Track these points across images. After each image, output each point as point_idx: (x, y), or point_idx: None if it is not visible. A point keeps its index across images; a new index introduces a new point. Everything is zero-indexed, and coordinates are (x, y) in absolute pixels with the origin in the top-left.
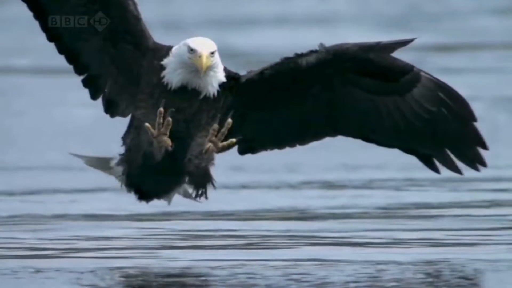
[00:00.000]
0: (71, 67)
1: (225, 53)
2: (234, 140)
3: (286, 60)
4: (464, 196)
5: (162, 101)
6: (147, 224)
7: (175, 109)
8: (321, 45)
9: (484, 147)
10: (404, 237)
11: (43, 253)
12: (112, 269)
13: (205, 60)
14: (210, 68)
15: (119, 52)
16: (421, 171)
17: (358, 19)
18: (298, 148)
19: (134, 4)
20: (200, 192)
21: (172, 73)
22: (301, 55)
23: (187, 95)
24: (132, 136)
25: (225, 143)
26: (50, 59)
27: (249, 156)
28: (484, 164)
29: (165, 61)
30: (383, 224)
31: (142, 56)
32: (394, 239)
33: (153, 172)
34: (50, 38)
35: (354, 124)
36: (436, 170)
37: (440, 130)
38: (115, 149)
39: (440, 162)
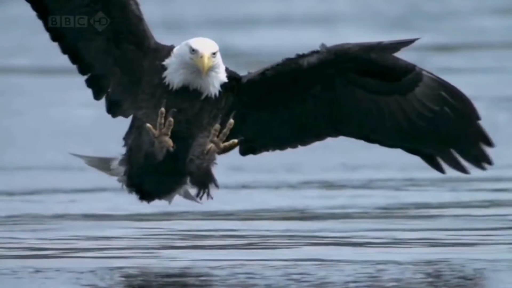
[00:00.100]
0: (71, 67)
1: (226, 53)
2: (236, 141)
3: (288, 61)
4: (464, 196)
5: (163, 101)
6: (147, 224)
7: (177, 110)
8: (323, 45)
9: (490, 144)
10: (404, 237)
11: (43, 253)
12: (112, 269)
13: (206, 61)
14: (211, 68)
15: (121, 52)
16: (421, 171)
17: (358, 19)
18: (298, 148)
19: (136, 4)
20: (203, 192)
21: (174, 73)
22: (303, 56)
23: (188, 95)
24: (133, 136)
25: (226, 143)
26: (50, 59)
27: (249, 156)
28: (490, 162)
29: (166, 62)
30: (383, 224)
31: (143, 56)
32: (394, 239)
33: (154, 173)
34: (53, 38)
35: (356, 125)
36: (441, 170)
37: (443, 129)
38: (115, 149)
39: (445, 162)
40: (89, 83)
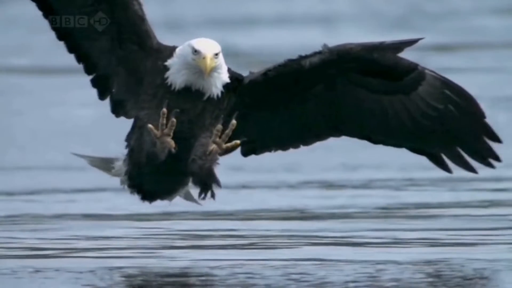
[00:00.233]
0: (71, 67)
1: (227, 53)
2: (238, 141)
3: (290, 62)
4: (464, 196)
5: (165, 102)
6: (147, 224)
7: (179, 110)
8: (325, 45)
9: (497, 140)
10: (404, 237)
11: (42, 253)
12: (112, 269)
13: (209, 62)
14: (214, 69)
15: (125, 53)
16: (421, 171)
17: (358, 19)
18: (299, 148)
19: (139, 4)
20: (206, 193)
21: (176, 74)
22: (305, 57)
23: (191, 96)
24: (135, 136)
25: (229, 144)
26: (50, 59)
27: (249, 156)
28: (498, 159)
29: (169, 62)
30: (382, 224)
31: (146, 57)
32: (393, 239)
33: (156, 173)
34: (59, 37)
35: (357, 125)
36: (448, 170)
37: (448, 127)
38: (115, 149)
39: (452, 160)
40: (94, 83)
